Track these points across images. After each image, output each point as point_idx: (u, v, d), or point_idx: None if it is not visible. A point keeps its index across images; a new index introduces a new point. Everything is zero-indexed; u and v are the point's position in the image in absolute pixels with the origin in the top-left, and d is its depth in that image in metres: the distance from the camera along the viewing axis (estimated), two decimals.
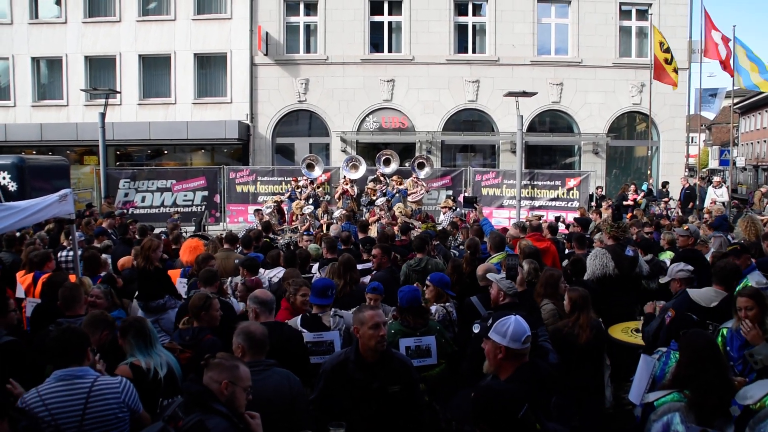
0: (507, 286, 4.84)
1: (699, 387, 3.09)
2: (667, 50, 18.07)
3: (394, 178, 16.53)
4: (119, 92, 20.50)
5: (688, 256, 7.16)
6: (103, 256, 7.63)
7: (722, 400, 3.06)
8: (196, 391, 2.89)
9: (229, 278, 6.73)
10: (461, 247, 9.15)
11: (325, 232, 11.94)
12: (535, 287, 5.63)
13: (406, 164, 18.30)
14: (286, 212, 14.99)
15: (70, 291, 4.91)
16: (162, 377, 3.82)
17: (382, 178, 16.84)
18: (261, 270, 6.84)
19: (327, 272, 6.34)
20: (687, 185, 18.65)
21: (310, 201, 15.44)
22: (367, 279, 6.54)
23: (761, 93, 32.50)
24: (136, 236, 9.67)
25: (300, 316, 4.97)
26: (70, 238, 6.99)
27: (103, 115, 16.90)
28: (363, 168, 17.94)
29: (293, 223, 13.80)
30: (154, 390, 3.68)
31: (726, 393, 3.11)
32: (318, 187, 16.68)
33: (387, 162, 17.56)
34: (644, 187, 18.47)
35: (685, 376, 3.23)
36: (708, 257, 7.20)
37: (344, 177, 17.30)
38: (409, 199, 15.79)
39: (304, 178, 17.18)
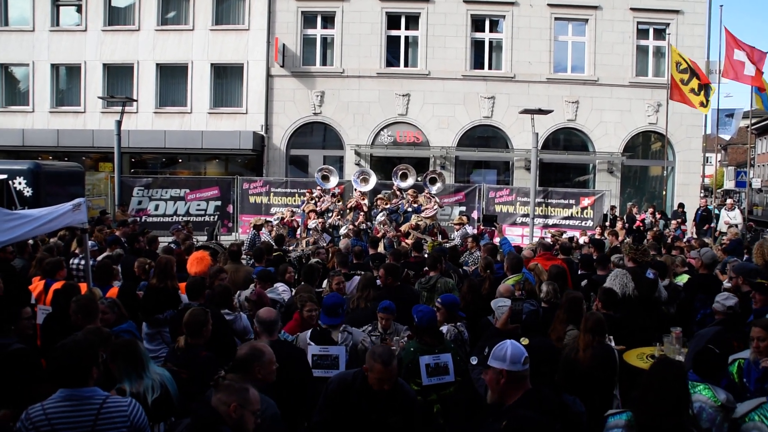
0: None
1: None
2: (685, 71, 17.86)
3: (410, 192, 16.32)
4: (136, 100, 20.65)
5: (703, 281, 7.04)
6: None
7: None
8: (204, 414, 2.85)
9: (238, 291, 6.69)
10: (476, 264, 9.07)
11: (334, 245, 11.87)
12: (555, 312, 5.55)
13: (419, 179, 18.23)
14: (299, 222, 14.94)
15: (86, 302, 4.86)
16: (150, 402, 3.67)
17: (399, 193, 16.65)
18: (279, 287, 6.77)
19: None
20: (704, 206, 18.37)
21: (327, 213, 15.37)
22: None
23: None
24: (146, 246, 9.65)
25: (310, 330, 5.01)
26: (83, 246, 6.96)
27: (119, 123, 17.00)
28: (373, 180, 17.81)
29: (304, 237, 13.75)
30: None
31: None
32: (338, 201, 16.48)
33: (404, 176, 17.39)
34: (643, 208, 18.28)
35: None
36: (727, 284, 7.06)
37: (355, 190, 17.20)
38: (423, 214, 15.61)
39: (319, 188, 17.12)
